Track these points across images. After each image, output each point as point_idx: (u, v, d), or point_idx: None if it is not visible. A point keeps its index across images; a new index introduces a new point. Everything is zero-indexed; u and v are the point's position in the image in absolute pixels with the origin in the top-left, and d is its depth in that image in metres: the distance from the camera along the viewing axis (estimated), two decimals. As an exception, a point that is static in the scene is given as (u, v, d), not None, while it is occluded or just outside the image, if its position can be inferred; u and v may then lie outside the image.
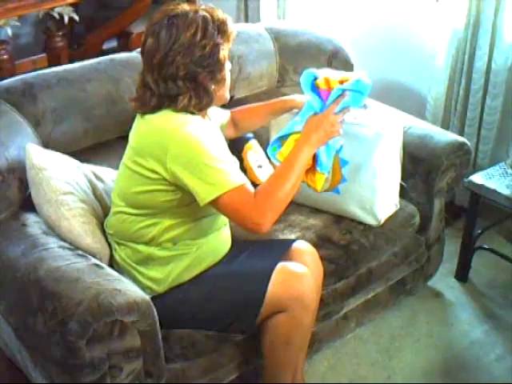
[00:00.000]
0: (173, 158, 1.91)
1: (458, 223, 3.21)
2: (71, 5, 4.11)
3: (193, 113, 2.00)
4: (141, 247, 2.10)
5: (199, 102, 1.99)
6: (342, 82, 2.10)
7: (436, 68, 3.23)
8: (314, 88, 2.15)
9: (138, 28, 4.46)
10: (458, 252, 3.01)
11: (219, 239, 2.19)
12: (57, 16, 4.11)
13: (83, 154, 2.41)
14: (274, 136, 2.42)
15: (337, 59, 3.02)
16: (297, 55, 3.00)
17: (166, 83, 1.96)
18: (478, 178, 2.84)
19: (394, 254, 2.64)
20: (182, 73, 1.94)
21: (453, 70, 3.22)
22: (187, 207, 2.03)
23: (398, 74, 3.57)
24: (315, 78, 2.15)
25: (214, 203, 1.92)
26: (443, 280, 3.02)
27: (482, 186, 2.80)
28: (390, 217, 2.60)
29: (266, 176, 2.22)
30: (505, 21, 2.97)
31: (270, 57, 2.97)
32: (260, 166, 2.48)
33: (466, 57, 3.14)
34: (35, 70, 2.64)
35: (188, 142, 1.91)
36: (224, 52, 2.02)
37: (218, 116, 2.33)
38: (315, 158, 2.15)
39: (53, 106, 2.39)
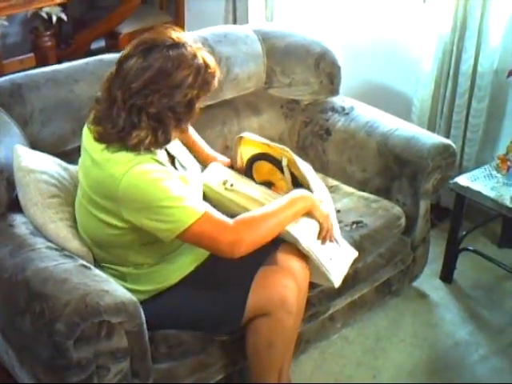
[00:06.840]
0: (125, 207, 1.89)
1: (444, 225, 3.23)
2: (59, 5, 4.12)
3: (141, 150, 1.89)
4: (114, 266, 2.10)
5: (154, 142, 1.89)
6: None
7: (422, 71, 3.24)
8: None
9: (127, 28, 4.48)
10: (443, 253, 3.03)
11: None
12: (45, 16, 4.12)
13: (71, 154, 2.39)
14: None
15: (324, 61, 3.03)
16: (284, 57, 3.01)
17: (130, 110, 1.85)
18: (463, 179, 2.86)
19: (379, 255, 2.66)
20: (153, 111, 1.85)
21: (439, 73, 3.24)
22: (152, 244, 2.02)
23: (384, 77, 3.59)
24: None
25: (180, 238, 1.91)
26: (428, 281, 3.04)
27: (467, 188, 2.82)
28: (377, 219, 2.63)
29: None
30: (490, 24, 3.00)
31: (257, 58, 2.97)
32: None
33: (453, 60, 3.17)
34: (23, 69, 2.64)
35: (137, 187, 1.86)
36: (199, 104, 1.94)
37: None
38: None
39: (41, 107, 2.38)
